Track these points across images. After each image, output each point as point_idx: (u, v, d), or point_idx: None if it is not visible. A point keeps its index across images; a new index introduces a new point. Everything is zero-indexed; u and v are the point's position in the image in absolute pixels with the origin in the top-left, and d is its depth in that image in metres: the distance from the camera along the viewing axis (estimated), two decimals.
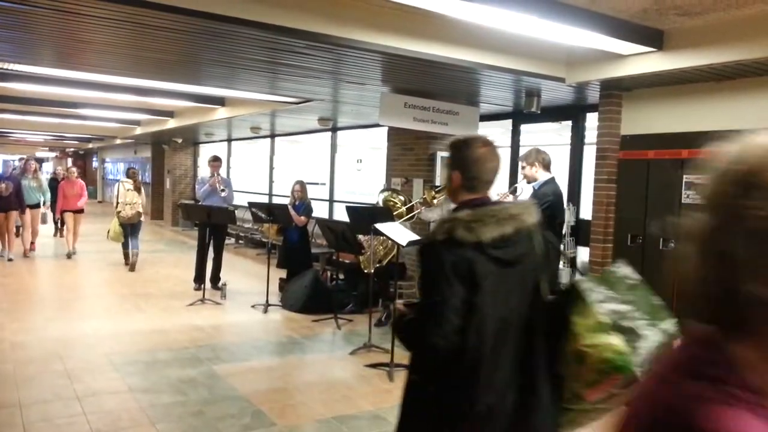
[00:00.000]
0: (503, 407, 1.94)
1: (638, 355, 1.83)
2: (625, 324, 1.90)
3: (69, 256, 10.59)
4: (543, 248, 2.09)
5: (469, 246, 1.91)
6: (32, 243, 10.92)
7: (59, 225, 13.28)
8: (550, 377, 1.98)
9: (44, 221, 11.64)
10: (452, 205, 2.26)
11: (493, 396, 1.93)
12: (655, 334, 1.89)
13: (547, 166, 4.86)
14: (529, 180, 4.92)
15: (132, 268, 9.54)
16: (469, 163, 2.09)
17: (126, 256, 9.87)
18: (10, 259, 9.90)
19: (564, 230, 6.15)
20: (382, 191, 7.26)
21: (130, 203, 9.52)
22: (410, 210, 6.85)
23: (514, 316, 1.99)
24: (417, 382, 2.07)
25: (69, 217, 10.89)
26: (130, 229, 9.63)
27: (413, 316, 2.06)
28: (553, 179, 4.85)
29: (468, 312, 1.90)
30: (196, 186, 8.94)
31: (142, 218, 9.84)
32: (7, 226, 10.02)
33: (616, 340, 1.85)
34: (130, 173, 10.20)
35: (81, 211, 11.06)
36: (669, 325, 1.94)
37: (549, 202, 4.65)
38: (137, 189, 9.71)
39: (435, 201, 6.04)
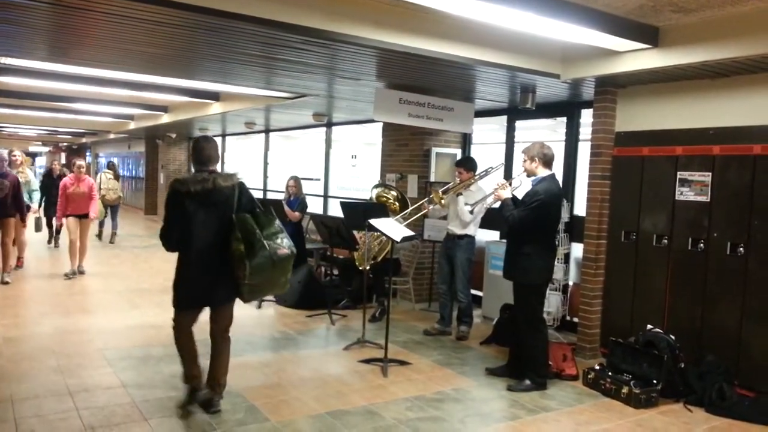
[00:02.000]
0: (200, 280, 3.86)
1: (252, 257, 3.71)
2: (249, 239, 3.75)
3: (69, 276, 8.39)
4: (236, 198, 3.90)
5: (184, 194, 3.75)
6: (19, 258, 8.77)
7: (55, 232, 11.29)
8: (229, 266, 3.81)
9: (38, 228, 9.30)
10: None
11: (196, 273, 3.86)
12: (267, 247, 3.75)
13: (547, 163, 4.80)
14: (528, 174, 4.87)
15: (112, 240, 12.19)
16: (194, 151, 4.04)
17: (100, 232, 12.40)
18: (5, 282, 7.73)
19: (559, 226, 6.17)
20: (375, 186, 7.25)
21: (112, 189, 11.96)
22: (404, 205, 6.83)
23: (211, 233, 3.82)
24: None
25: (73, 224, 8.53)
26: (110, 210, 12.00)
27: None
28: (551, 176, 4.80)
29: (184, 230, 3.78)
30: None
31: (120, 201, 12.52)
32: (4, 239, 7.83)
33: (241, 246, 3.72)
34: (110, 165, 13.00)
35: (86, 215, 8.66)
36: (278, 243, 3.83)
37: (539, 201, 4.64)
38: (116, 178, 12.36)
39: (443, 201, 6.00)
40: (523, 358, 4.90)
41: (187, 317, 4.02)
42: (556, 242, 5.95)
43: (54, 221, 10.38)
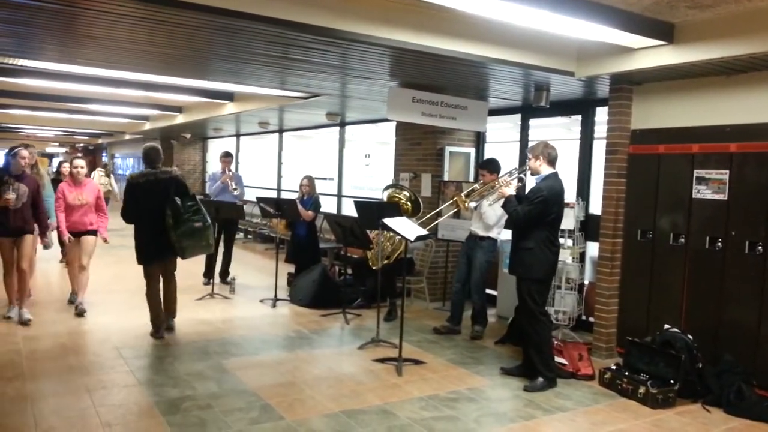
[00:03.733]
0: (151, 243, 5.58)
1: (177, 227, 5.50)
2: (176, 215, 5.50)
3: (73, 303, 6.65)
4: (173, 186, 5.60)
5: (136, 184, 5.54)
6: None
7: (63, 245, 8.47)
8: (167, 232, 5.52)
9: (46, 245, 6.40)
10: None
11: (147, 238, 5.59)
12: (187, 221, 5.53)
13: (551, 162, 4.85)
14: (533, 172, 4.93)
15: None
16: (144, 155, 5.73)
17: None
18: (26, 321, 5.94)
19: (574, 225, 6.14)
20: (386, 188, 7.21)
21: (103, 184, 13.12)
22: (416, 205, 6.78)
23: (155, 211, 5.46)
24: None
25: (73, 244, 6.45)
26: None
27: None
28: (555, 174, 4.84)
29: (137, 209, 5.52)
30: (207, 182, 8.95)
31: (111, 196, 13.78)
32: (20, 264, 5.94)
33: (170, 220, 5.45)
34: (103, 165, 16.13)
35: (93, 233, 6.52)
36: (195, 219, 5.58)
37: (541, 198, 4.69)
38: (108, 175, 14.51)
39: (466, 205, 5.91)
40: (530, 355, 4.91)
41: (152, 269, 5.74)
42: (560, 239, 5.91)
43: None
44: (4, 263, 6.03)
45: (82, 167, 6.61)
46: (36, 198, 6.03)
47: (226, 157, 8.75)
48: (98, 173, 14.39)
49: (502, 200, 5.00)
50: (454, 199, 5.92)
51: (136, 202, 5.52)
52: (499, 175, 6.01)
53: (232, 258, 8.62)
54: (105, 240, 6.66)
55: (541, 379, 4.80)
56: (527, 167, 5.02)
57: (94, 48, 5.34)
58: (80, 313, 6.39)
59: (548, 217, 4.75)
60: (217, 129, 14.58)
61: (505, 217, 5.93)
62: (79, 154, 30.86)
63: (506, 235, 7.33)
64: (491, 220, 6.09)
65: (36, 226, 6.13)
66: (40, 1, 3.76)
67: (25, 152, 5.99)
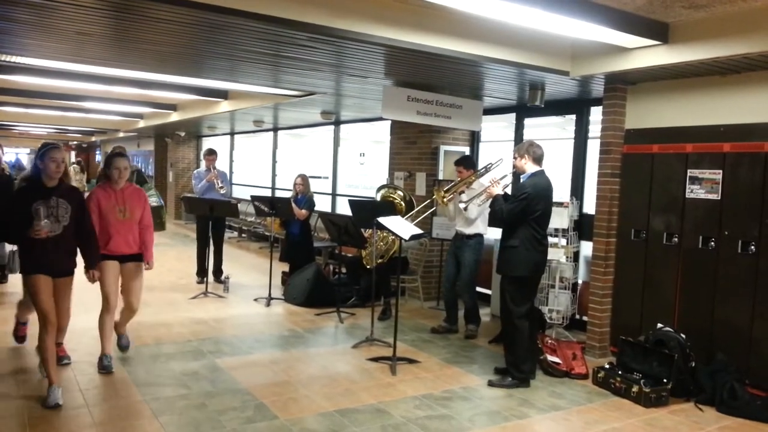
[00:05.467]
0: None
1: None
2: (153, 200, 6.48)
3: (122, 346, 5.13)
4: (134, 175, 6.29)
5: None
6: (60, 344, 4.71)
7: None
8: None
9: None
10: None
11: None
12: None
13: (537, 160, 4.88)
14: (519, 171, 4.95)
15: None
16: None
17: None
18: (56, 405, 3.92)
19: (568, 224, 6.14)
20: (380, 189, 7.19)
21: (78, 180, 14.48)
22: (410, 206, 6.79)
23: None
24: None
25: (112, 273, 4.71)
26: None
27: None
28: (541, 173, 4.86)
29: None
30: (193, 181, 8.81)
31: (84, 191, 13.61)
32: (59, 316, 4.14)
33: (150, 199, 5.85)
34: (77, 161, 17.85)
35: (137, 257, 4.82)
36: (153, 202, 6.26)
37: (524, 195, 4.72)
38: (82, 171, 16.59)
39: (445, 200, 5.94)
40: (508, 352, 4.96)
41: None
42: (553, 238, 5.92)
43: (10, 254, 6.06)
44: (41, 315, 4.01)
45: (125, 168, 4.76)
46: (82, 216, 4.20)
47: (210, 154, 8.62)
48: (73, 170, 14.97)
49: (478, 197, 5.06)
50: (434, 197, 5.97)
51: None
52: (476, 171, 6.08)
53: (226, 256, 8.59)
54: (148, 266, 4.93)
55: (509, 378, 4.85)
56: (496, 163, 5.20)
57: (89, 45, 5.30)
58: (106, 366, 4.70)
59: (533, 215, 4.75)
60: (212, 127, 14.53)
61: (487, 210, 5.98)
62: (72, 155, 30.57)
63: (496, 234, 7.36)
64: (473, 213, 6.10)
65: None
66: None
67: (57, 152, 4.06)
